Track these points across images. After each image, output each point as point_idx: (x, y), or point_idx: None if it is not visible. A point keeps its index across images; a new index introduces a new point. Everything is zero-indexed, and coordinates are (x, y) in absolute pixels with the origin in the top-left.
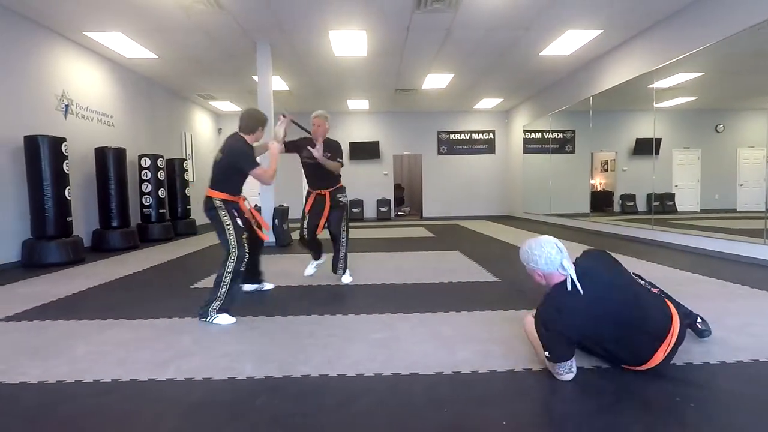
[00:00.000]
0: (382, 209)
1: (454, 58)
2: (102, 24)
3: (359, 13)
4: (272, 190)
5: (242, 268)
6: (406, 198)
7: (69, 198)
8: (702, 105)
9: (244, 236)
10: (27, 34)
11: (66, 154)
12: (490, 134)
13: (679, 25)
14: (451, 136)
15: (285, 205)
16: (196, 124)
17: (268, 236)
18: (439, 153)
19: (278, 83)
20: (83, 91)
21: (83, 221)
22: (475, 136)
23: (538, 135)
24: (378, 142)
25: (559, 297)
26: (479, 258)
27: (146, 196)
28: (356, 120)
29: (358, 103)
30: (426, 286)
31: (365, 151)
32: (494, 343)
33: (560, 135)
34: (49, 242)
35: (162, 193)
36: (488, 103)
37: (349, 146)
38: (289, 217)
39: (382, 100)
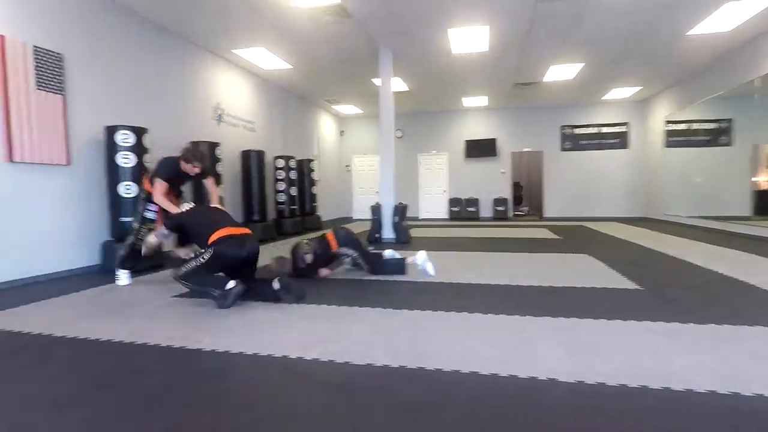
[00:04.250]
0: (499, 208)
1: (583, 47)
2: (248, 41)
3: (481, 8)
4: (391, 188)
5: None
6: (524, 197)
7: (222, 195)
8: None
9: None
10: (193, 55)
11: (219, 156)
12: (623, 127)
13: None
14: (577, 131)
15: (403, 203)
16: (322, 126)
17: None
18: (563, 149)
19: (398, 84)
20: (232, 101)
21: (231, 215)
22: (604, 129)
23: (684, 126)
24: (495, 139)
25: None
26: (614, 263)
27: (280, 193)
28: (472, 117)
29: (474, 100)
30: (555, 290)
31: (481, 148)
32: (643, 357)
33: (713, 125)
34: None
35: (293, 191)
36: (621, 92)
37: (465, 144)
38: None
39: (499, 96)
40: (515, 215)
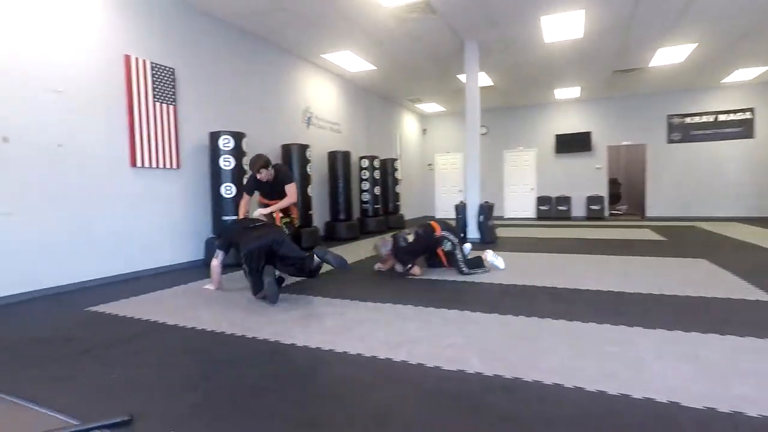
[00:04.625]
0: (594, 207)
1: (699, 25)
2: (336, 46)
3: None
4: (477, 186)
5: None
6: (622, 195)
7: (310, 195)
8: None
9: None
10: (286, 62)
11: (309, 158)
12: (747, 113)
13: None
14: (687, 120)
15: (490, 202)
16: (404, 126)
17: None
18: (670, 141)
19: (483, 79)
20: (319, 104)
21: (318, 214)
22: (722, 117)
23: None
24: (589, 132)
25: None
26: (739, 270)
27: (365, 193)
28: (563, 110)
29: (566, 92)
30: (666, 299)
31: (574, 143)
32: None
33: None
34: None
35: (377, 190)
36: (745, 74)
37: (555, 139)
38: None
39: (595, 85)
40: (612, 214)
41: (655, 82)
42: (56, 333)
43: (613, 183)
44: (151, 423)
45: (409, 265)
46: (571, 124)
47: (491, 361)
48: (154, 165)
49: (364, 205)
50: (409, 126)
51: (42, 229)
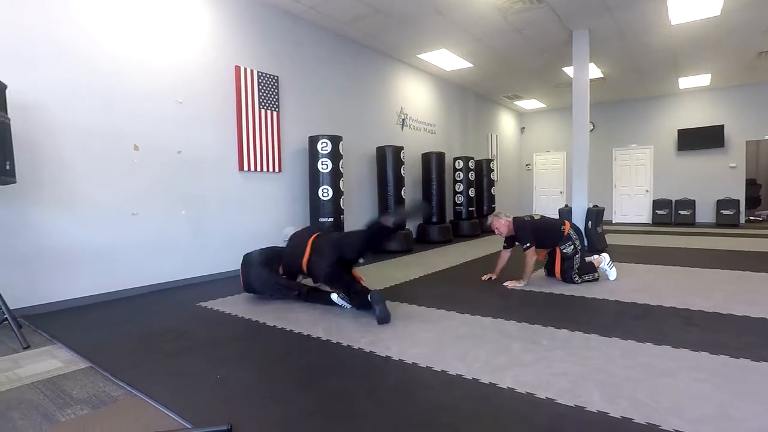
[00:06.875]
0: (725, 212)
1: None
2: (432, 45)
3: None
4: (585, 189)
5: None
6: (763, 198)
7: (404, 197)
8: None
9: None
10: (381, 64)
11: (403, 160)
12: None
13: None
14: None
15: (599, 206)
16: (501, 124)
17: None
18: None
19: (592, 71)
20: (414, 105)
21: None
22: None
23: None
24: (722, 126)
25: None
26: None
27: (458, 195)
28: (689, 101)
29: (693, 80)
30: None
31: (701, 138)
32: None
33: None
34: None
35: (472, 192)
36: None
37: (677, 134)
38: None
39: (732, 71)
40: (749, 220)
41: None
42: (172, 327)
43: (751, 184)
44: None
45: (527, 244)
46: (698, 117)
47: (616, 399)
48: (259, 169)
49: (457, 207)
50: (506, 124)
51: (162, 229)
